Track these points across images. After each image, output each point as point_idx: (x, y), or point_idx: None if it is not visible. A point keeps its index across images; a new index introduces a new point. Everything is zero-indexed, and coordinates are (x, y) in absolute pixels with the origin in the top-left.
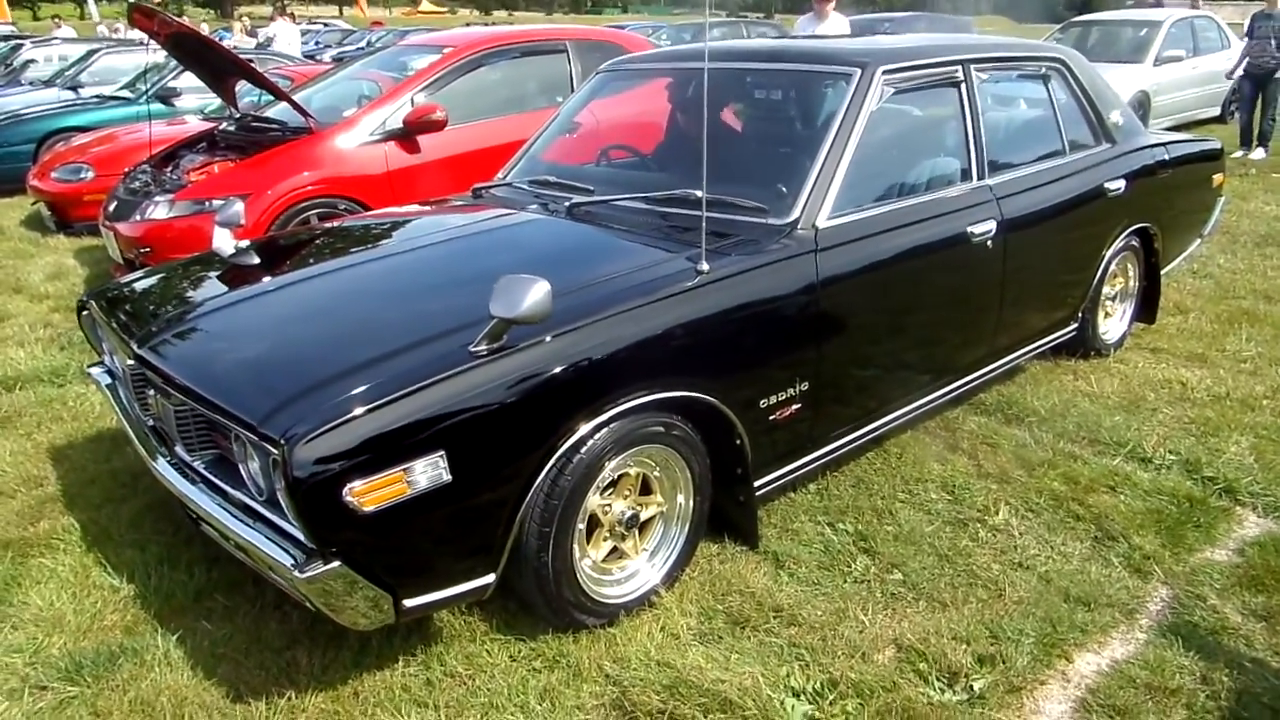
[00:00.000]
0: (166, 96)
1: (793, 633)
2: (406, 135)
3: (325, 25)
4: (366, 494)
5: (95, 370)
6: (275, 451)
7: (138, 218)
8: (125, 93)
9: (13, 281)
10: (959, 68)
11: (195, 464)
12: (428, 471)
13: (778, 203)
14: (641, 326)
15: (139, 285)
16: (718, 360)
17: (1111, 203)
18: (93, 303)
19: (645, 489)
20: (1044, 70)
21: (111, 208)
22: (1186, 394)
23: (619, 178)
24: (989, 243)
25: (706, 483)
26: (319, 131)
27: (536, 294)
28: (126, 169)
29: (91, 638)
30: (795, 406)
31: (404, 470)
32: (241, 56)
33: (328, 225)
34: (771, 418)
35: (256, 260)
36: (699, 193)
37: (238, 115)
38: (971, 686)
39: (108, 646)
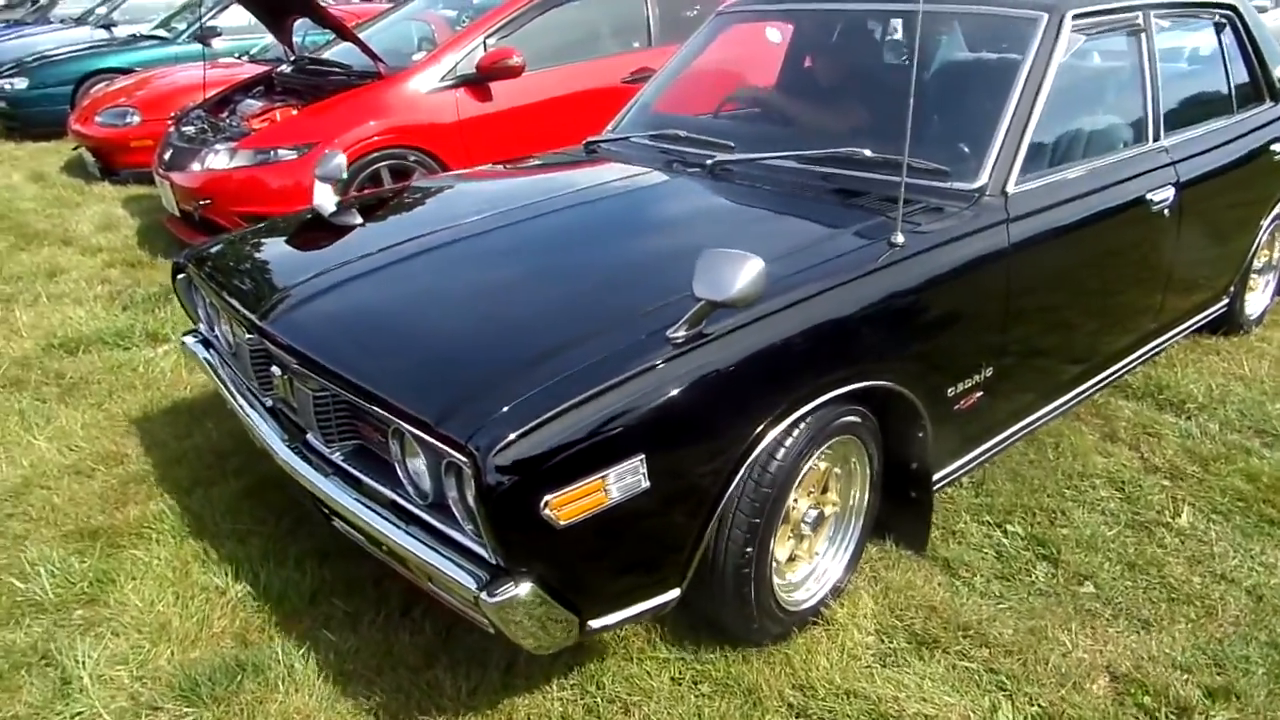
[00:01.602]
0: (205, 37)
1: (986, 655)
2: (479, 82)
3: None
4: (564, 505)
5: (189, 339)
6: (458, 456)
7: (197, 167)
8: (161, 31)
9: (60, 233)
10: (1140, 14)
11: (333, 455)
12: (626, 478)
13: (960, 165)
14: (840, 307)
15: (242, 247)
16: (910, 344)
17: (1275, 166)
18: (192, 266)
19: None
20: (1217, 18)
21: (167, 156)
22: None
23: (757, 133)
24: (1165, 210)
25: (880, 477)
26: (388, 76)
27: (750, 273)
28: (174, 113)
29: (202, 647)
30: (979, 395)
31: (603, 477)
32: None
33: (433, 181)
34: (956, 407)
35: (361, 220)
36: (867, 151)
37: (293, 57)
38: None
39: (223, 658)
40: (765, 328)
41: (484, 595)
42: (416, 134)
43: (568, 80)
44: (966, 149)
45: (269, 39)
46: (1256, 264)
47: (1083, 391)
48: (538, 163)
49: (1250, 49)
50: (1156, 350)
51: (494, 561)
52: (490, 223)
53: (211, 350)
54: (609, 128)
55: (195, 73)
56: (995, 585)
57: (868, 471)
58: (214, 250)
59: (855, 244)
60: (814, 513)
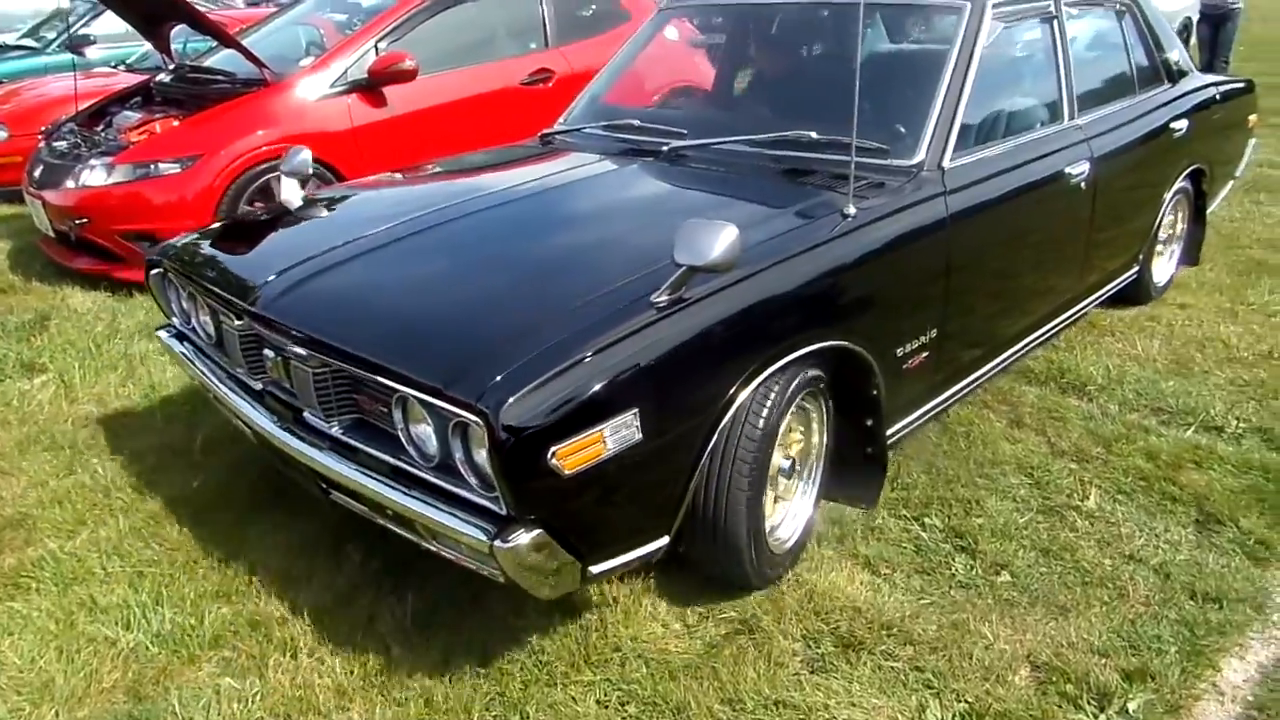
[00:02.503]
0: (78, 46)
1: (911, 653)
2: (372, 87)
3: None
4: (569, 455)
5: (164, 334)
6: (469, 416)
7: (71, 184)
8: (29, 41)
9: None
10: (1052, 3)
11: (332, 430)
12: (621, 430)
13: (898, 144)
14: (801, 273)
15: (217, 241)
16: (863, 307)
17: (1176, 143)
18: (168, 261)
19: None
20: (1118, 6)
21: (38, 173)
22: (1232, 354)
23: (707, 120)
24: (1082, 183)
25: (833, 425)
26: (274, 84)
27: (726, 239)
28: (44, 127)
29: (91, 704)
30: (924, 355)
31: (601, 430)
32: None
33: (401, 173)
34: (905, 366)
35: (329, 212)
36: (813, 134)
37: (173, 65)
38: (1127, 709)
39: (115, 716)
40: (737, 292)
41: (497, 543)
42: (308, 142)
43: (465, 83)
44: (903, 129)
45: (147, 47)
46: (1161, 234)
47: (1017, 351)
48: (497, 154)
49: (1149, 35)
50: (1076, 315)
51: (502, 512)
52: (466, 208)
53: (186, 343)
54: (560, 120)
55: (67, 84)
56: (916, 580)
57: (825, 421)
58: (189, 244)
59: (810, 216)
60: (786, 462)
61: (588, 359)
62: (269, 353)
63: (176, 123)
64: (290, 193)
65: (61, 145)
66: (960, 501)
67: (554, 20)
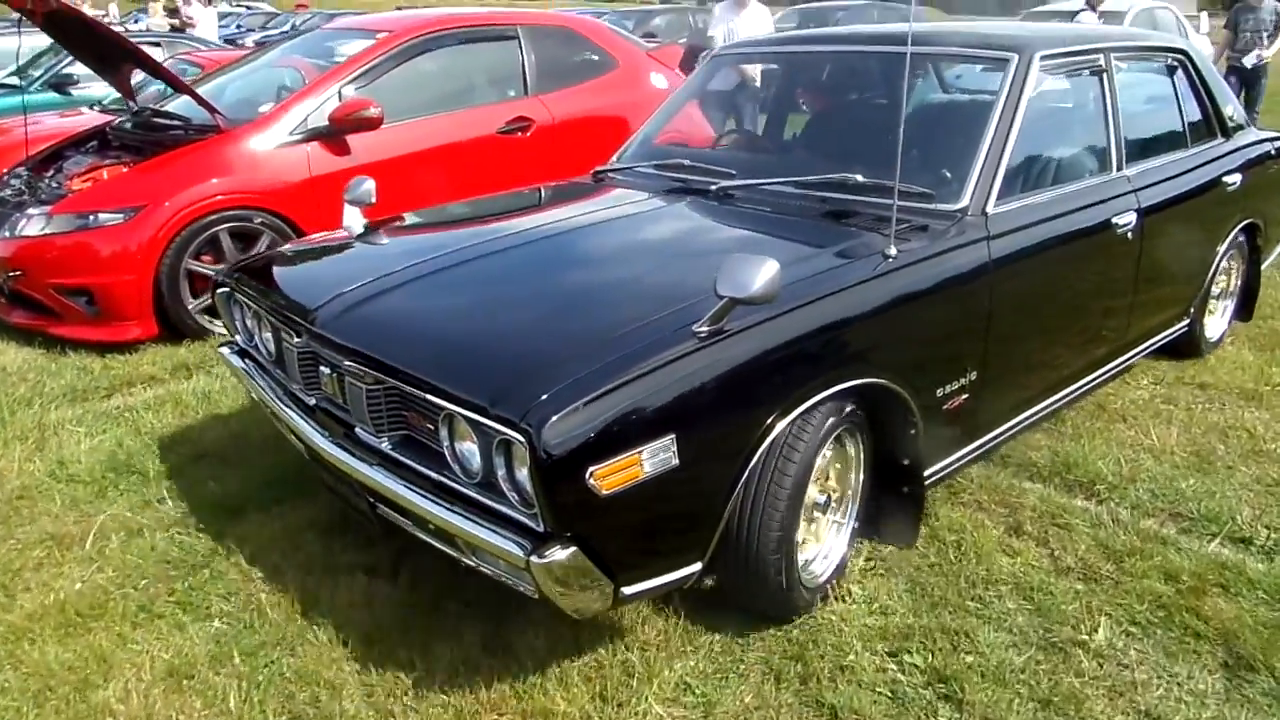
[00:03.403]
0: (62, 84)
1: None
2: (334, 135)
3: (248, 8)
4: (607, 476)
5: (226, 351)
6: (513, 434)
7: (6, 234)
8: (13, 79)
9: None
10: (1102, 56)
11: (382, 445)
12: (659, 455)
13: (944, 188)
14: (841, 310)
15: (283, 263)
16: (903, 346)
17: (1229, 197)
18: (235, 280)
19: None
20: (1171, 61)
21: None
22: (1257, 445)
23: (755, 162)
24: (1129, 234)
25: (871, 463)
26: (229, 130)
27: (767, 274)
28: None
29: None
30: (964, 397)
31: (639, 453)
32: (142, 41)
33: (457, 204)
34: (945, 407)
35: (388, 240)
36: (859, 176)
37: (135, 109)
38: None
39: None
40: (778, 326)
41: (533, 558)
42: (262, 193)
43: (437, 132)
44: (949, 174)
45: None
46: (1214, 289)
47: (1060, 398)
48: (551, 189)
49: (1202, 89)
50: (1123, 364)
51: (540, 529)
52: (518, 239)
53: (248, 360)
54: (613, 159)
55: (18, 125)
56: None
57: (862, 459)
58: (258, 265)
59: (852, 256)
60: (822, 498)
61: (628, 384)
62: (325, 370)
63: (125, 170)
64: (352, 219)
65: (7, 192)
66: (947, 633)
67: (534, 67)
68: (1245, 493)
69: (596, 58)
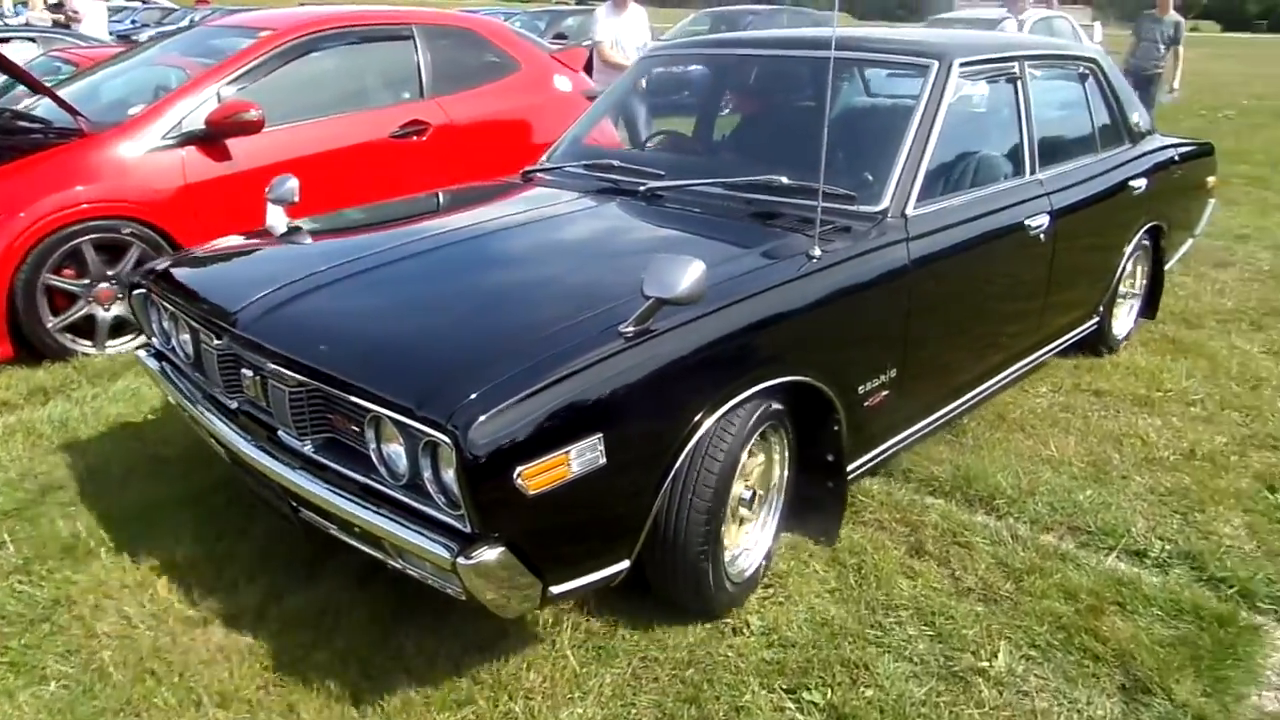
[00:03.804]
0: None
1: None
2: (211, 139)
3: (144, 2)
4: (535, 475)
5: (143, 354)
6: (439, 435)
7: None
8: None
9: None
10: (1016, 63)
11: (305, 448)
12: (586, 454)
13: (865, 191)
14: (766, 309)
15: (202, 263)
16: (825, 345)
17: (1135, 200)
18: (152, 282)
19: None
20: (1082, 69)
21: None
22: (1150, 453)
23: (683, 163)
24: (1042, 235)
25: (795, 459)
26: (93, 134)
27: (693, 274)
28: None
29: None
30: (885, 394)
31: (566, 452)
32: (17, 36)
33: (383, 204)
34: (866, 404)
35: (312, 240)
36: (784, 179)
37: None
38: None
39: None
40: (704, 326)
41: (460, 559)
42: (130, 202)
43: (325, 136)
44: (870, 177)
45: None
46: (1121, 289)
47: (978, 393)
48: (478, 189)
49: (1111, 96)
50: (1035, 361)
51: (467, 530)
52: (444, 239)
53: (165, 363)
54: (543, 159)
55: None
56: None
57: (786, 456)
58: (175, 267)
59: (777, 256)
60: (747, 494)
61: (555, 384)
62: (247, 372)
63: None
64: (275, 218)
65: None
66: (847, 665)
67: (431, 69)
68: (1139, 503)
69: (497, 60)
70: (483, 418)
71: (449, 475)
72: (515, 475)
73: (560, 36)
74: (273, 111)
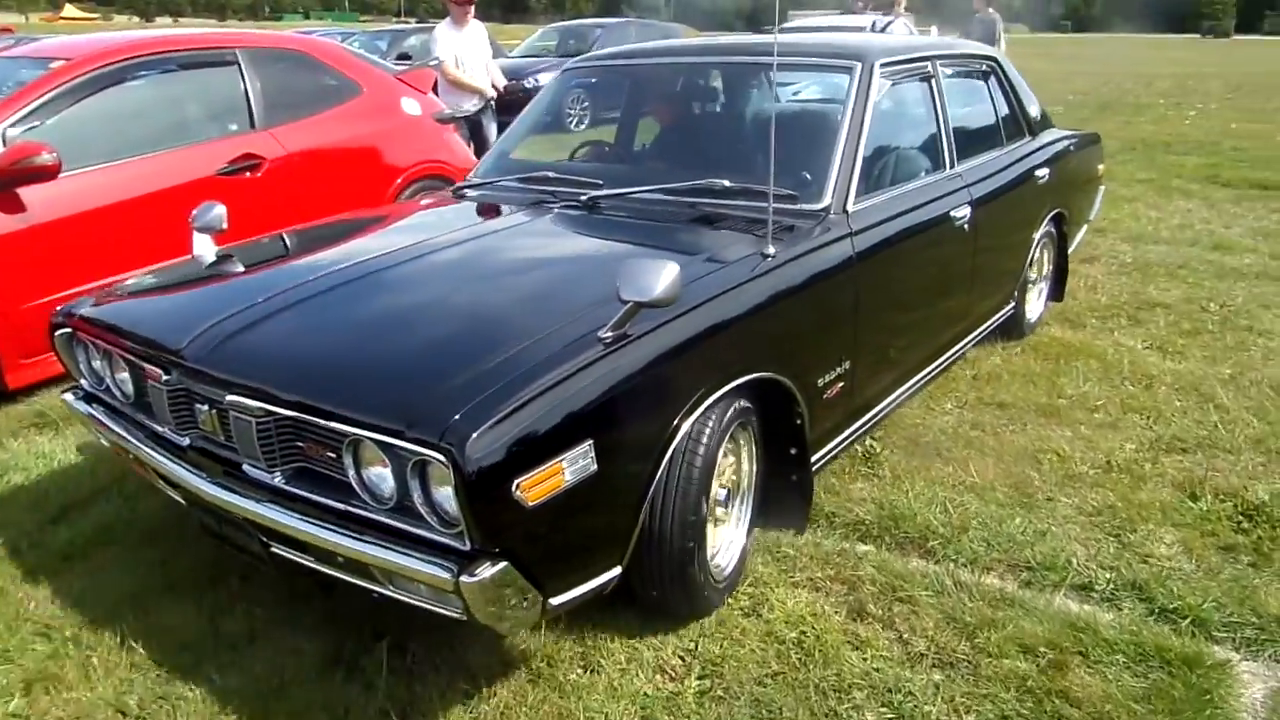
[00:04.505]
0: None
1: None
2: None
3: None
4: (532, 486)
5: (70, 397)
6: (431, 454)
7: None
8: None
9: None
10: (929, 63)
11: (275, 480)
12: (579, 462)
13: (805, 189)
14: (733, 309)
15: (134, 297)
16: (787, 340)
17: (1041, 189)
18: (80, 319)
19: None
20: (984, 67)
21: None
22: (1069, 469)
23: (620, 172)
24: (965, 225)
25: (762, 456)
26: None
27: (668, 276)
28: None
29: None
30: (841, 384)
31: (560, 461)
32: None
33: (310, 227)
34: (825, 395)
35: (247, 266)
36: (726, 181)
37: None
38: None
39: None
40: (676, 327)
41: (463, 578)
42: None
43: (140, 177)
44: (809, 175)
45: None
46: (1031, 274)
47: (919, 380)
48: (412, 208)
49: (1011, 92)
50: (968, 346)
51: (465, 548)
52: (394, 257)
53: (96, 405)
54: (471, 175)
55: None
56: None
57: (754, 452)
58: (103, 302)
59: (734, 256)
60: (722, 492)
61: (542, 394)
62: (201, 406)
63: None
64: (203, 247)
65: None
66: None
67: (261, 97)
68: (1071, 527)
69: (336, 84)
70: (476, 433)
71: (441, 494)
72: (514, 488)
73: (404, 57)
74: (73, 153)
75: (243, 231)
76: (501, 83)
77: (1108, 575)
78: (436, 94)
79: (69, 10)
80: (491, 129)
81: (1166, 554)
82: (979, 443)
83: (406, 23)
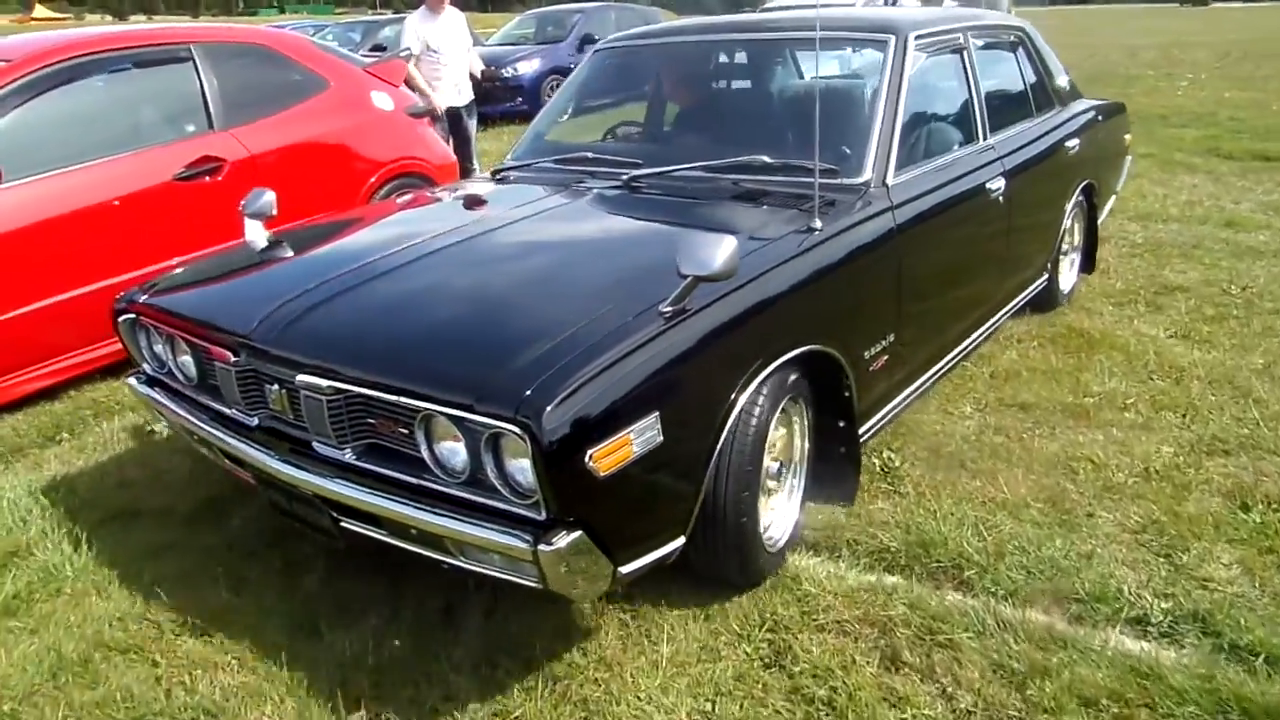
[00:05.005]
0: None
1: None
2: None
3: None
4: (604, 457)
5: (134, 381)
6: (508, 426)
7: None
8: None
9: None
10: (960, 34)
11: (344, 456)
12: (646, 433)
13: (845, 163)
14: (785, 282)
15: (193, 285)
16: (836, 313)
17: (1071, 160)
18: (144, 304)
19: None
20: (1013, 38)
21: None
22: (1106, 478)
23: (657, 151)
24: (1000, 197)
25: (812, 434)
26: None
27: (727, 250)
28: None
29: None
30: (885, 357)
31: (629, 432)
32: None
33: (355, 212)
34: (871, 369)
35: (302, 250)
36: (766, 157)
37: None
38: None
39: None
40: (732, 301)
41: (541, 546)
42: None
43: (88, 185)
44: (849, 150)
45: None
46: (1064, 245)
47: (960, 351)
48: (454, 191)
49: (1040, 62)
50: (1004, 317)
51: (540, 518)
52: (450, 236)
53: (158, 388)
54: (508, 157)
55: None
56: None
57: (805, 424)
58: (164, 289)
59: (780, 232)
60: (774, 465)
61: (610, 367)
62: (272, 387)
63: None
64: (254, 233)
65: None
66: None
67: (219, 96)
68: (1117, 547)
69: (300, 79)
70: (550, 406)
71: (515, 465)
72: (588, 458)
73: (378, 48)
74: (13, 162)
75: (205, 239)
76: (479, 69)
77: (1164, 605)
78: (409, 86)
79: (39, 11)
80: (472, 122)
81: (1226, 577)
82: (1005, 451)
83: (382, 14)
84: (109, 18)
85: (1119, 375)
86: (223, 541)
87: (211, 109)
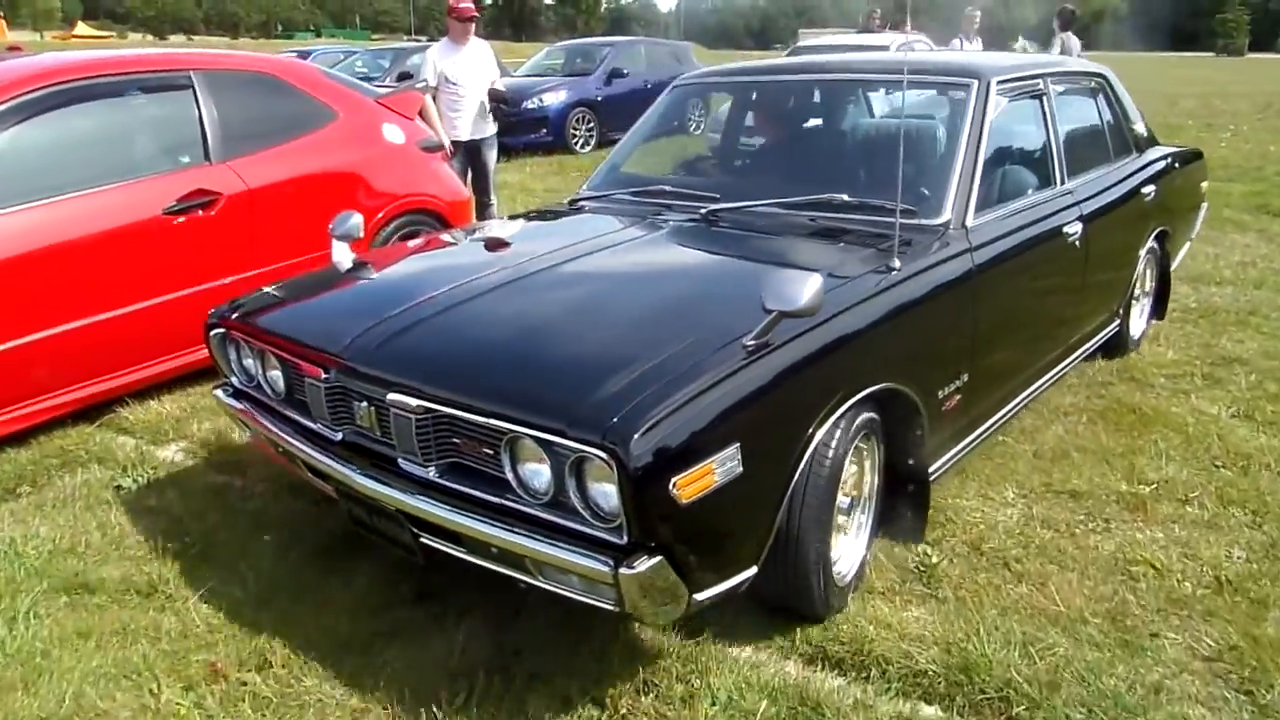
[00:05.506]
0: None
1: None
2: None
3: None
4: (687, 485)
5: (221, 393)
6: (595, 451)
7: None
8: None
9: None
10: (1041, 80)
11: (429, 474)
12: (727, 464)
13: (924, 204)
14: (863, 320)
15: (285, 303)
16: (911, 352)
17: (1146, 206)
18: (236, 320)
19: None
20: (1093, 84)
21: None
22: (1170, 588)
23: (734, 186)
24: (1076, 242)
25: (882, 471)
26: None
27: (812, 287)
28: None
29: None
30: (958, 397)
31: (711, 462)
32: None
33: (451, 235)
34: (944, 408)
35: (390, 273)
36: (845, 196)
37: None
38: None
39: None
40: (813, 337)
41: (622, 570)
42: None
43: (69, 220)
44: (927, 191)
45: None
46: (1137, 290)
47: (1029, 395)
48: (536, 217)
49: (1119, 108)
50: (1075, 361)
51: (621, 542)
52: (535, 264)
53: (245, 400)
54: (584, 187)
55: None
56: None
57: (878, 462)
58: (256, 306)
59: (860, 270)
60: (845, 500)
61: (695, 398)
62: (361, 404)
63: None
64: (341, 255)
65: None
66: None
67: (218, 125)
68: (1189, 680)
69: (307, 110)
70: (639, 433)
71: (598, 490)
72: (671, 486)
73: (405, 76)
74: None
75: (195, 276)
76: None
77: None
78: (423, 119)
79: (81, 28)
80: (491, 154)
81: None
82: (1055, 549)
83: (417, 40)
84: (149, 36)
85: (1177, 460)
86: (180, 627)
87: (210, 140)
